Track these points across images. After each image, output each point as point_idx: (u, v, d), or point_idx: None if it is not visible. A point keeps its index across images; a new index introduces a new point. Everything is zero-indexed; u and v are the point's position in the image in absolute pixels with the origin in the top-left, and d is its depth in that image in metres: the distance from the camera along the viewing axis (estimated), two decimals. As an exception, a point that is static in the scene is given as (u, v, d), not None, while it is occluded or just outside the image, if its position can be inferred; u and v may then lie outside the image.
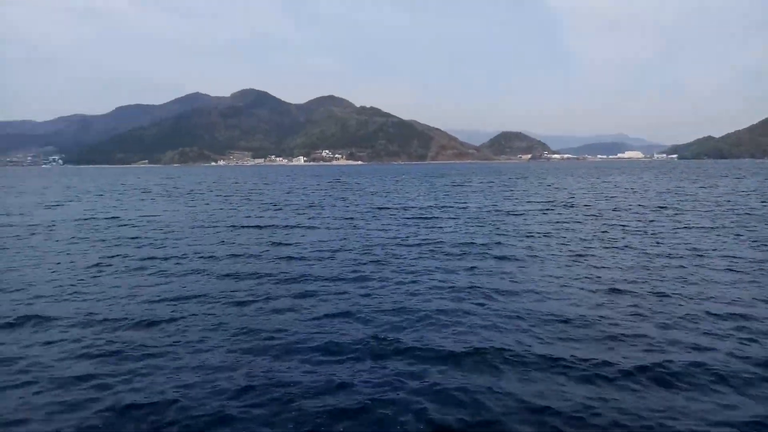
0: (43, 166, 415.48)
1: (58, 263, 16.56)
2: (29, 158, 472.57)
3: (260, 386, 7.64)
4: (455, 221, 26.63)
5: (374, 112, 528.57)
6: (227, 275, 14.52)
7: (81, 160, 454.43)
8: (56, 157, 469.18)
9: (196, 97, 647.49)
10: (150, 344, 9.27)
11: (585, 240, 20.06)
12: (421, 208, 33.70)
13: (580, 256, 16.89)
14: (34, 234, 23.54)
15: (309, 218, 28.83)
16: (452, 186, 63.96)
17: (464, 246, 18.84)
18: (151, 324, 10.35)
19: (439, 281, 13.58)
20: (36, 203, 41.98)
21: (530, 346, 9.04)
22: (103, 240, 21.42)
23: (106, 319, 10.63)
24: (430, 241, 19.92)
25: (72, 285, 13.59)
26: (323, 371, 8.14)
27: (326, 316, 10.77)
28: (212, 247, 19.36)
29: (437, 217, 28.37)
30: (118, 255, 17.79)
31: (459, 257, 16.84)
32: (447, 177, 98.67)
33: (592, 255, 17.01)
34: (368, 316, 10.67)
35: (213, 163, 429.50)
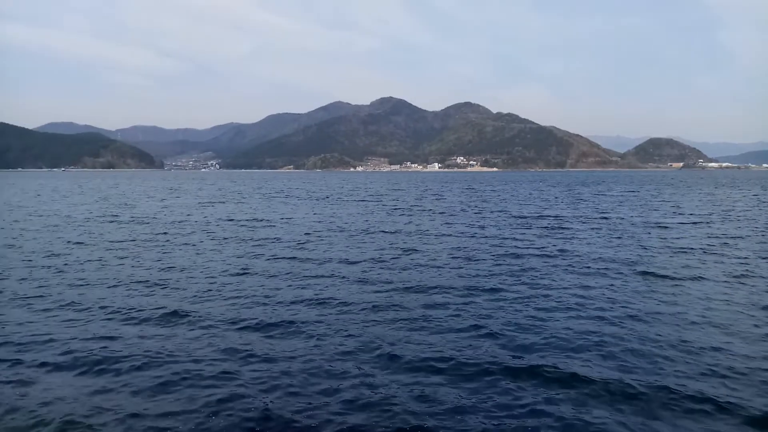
0: (202, 169, 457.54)
1: (210, 260, 17.93)
2: (191, 162, 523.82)
3: (383, 400, 7.56)
4: (596, 232, 25.07)
5: (511, 118, 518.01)
6: (361, 281, 14.78)
7: (235, 164, 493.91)
8: (213, 162, 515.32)
9: (338, 105, 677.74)
10: (284, 348, 9.60)
11: (747, 259, 17.88)
12: (558, 218, 32.20)
13: (741, 277, 15.05)
14: (193, 232, 25.80)
15: (441, 225, 28.73)
16: (593, 195, 60.57)
17: (605, 261, 17.61)
18: (290, 325, 10.76)
19: (576, 298, 12.75)
20: (194, 204, 46.16)
21: (684, 384, 8.03)
22: (249, 240, 22.89)
23: (245, 319, 11.23)
24: (568, 254, 18.89)
25: (220, 284, 14.60)
26: (450, 391, 7.86)
27: (456, 330, 10.49)
28: (347, 251, 19.89)
29: (576, 228, 26.90)
30: (261, 255, 18.90)
31: (599, 272, 15.74)
32: (587, 185, 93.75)
33: (759, 276, 15.07)
34: (499, 332, 10.24)
35: (351, 169, 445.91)
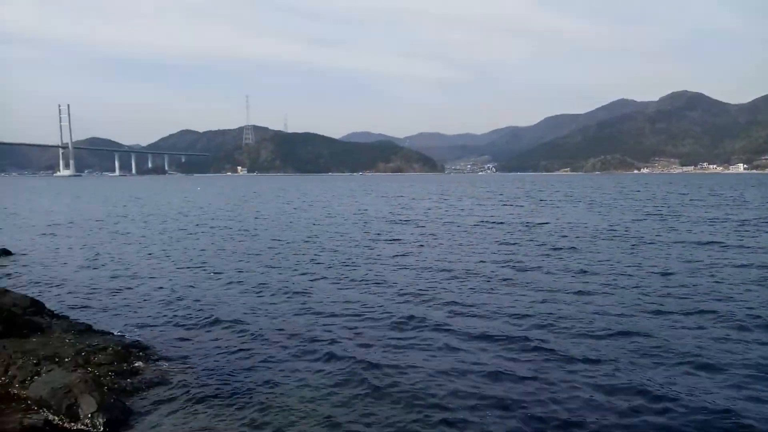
0: (479, 173, 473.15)
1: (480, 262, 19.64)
2: (468, 166, 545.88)
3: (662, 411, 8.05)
4: None
5: None
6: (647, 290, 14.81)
7: (510, 167, 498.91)
8: (490, 165, 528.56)
9: (621, 103, 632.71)
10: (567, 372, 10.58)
11: None
12: None
13: None
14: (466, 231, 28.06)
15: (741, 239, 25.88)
16: None
17: None
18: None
19: None
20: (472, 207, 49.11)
21: None
22: (523, 244, 24.06)
23: (500, 334, 12.45)
24: None
25: (474, 293, 16.11)
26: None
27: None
28: (622, 263, 19.67)
29: None
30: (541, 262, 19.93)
31: None
32: None
33: None
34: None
35: (635, 171, 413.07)
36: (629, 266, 18.94)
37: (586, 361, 9.84)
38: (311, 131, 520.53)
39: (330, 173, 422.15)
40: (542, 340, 10.96)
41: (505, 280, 16.99)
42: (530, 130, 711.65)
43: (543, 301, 14.15)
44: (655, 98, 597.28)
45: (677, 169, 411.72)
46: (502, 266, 19.32)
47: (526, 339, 11.06)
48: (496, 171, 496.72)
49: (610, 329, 11.61)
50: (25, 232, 32.77)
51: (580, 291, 15.22)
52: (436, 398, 8.43)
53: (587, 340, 11.03)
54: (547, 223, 34.82)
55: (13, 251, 23.18)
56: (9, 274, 18.53)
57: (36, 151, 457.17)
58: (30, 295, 13.21)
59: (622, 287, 15.66)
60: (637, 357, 10.05)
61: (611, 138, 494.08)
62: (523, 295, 14.88)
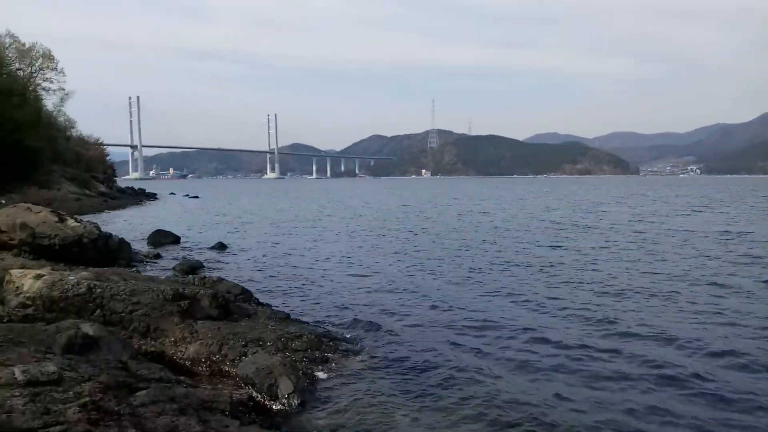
0: (680, 175, 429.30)
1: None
2: (668, 167, 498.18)
3: None
4: None
5: None
6: None
7: (719, 169, 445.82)
8: (694, 167, 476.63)
9: None
10: None
11: None
12: None
13: None
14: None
15: None
16: None
17: None
18: None
19: None
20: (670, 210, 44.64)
21: None
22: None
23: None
24: None
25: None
26: None
27: None
28: None
29: None
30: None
31: None
32: None
33: None
34: None
35: None
36: None
37: None
38: (496, 133, 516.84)
39: (513, 176, 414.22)
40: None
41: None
42: (744, 127, 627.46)
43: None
44: None
45: None
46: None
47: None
48: (701, 173, 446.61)
49: None
50: (239, 228, 37.10)
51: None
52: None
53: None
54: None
55: (228, 245, 26.31)
56: (224, 265, 21.06)
57: (248, 156, 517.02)
58: (240, 284, 14.87)
59: None
60: None
61: None
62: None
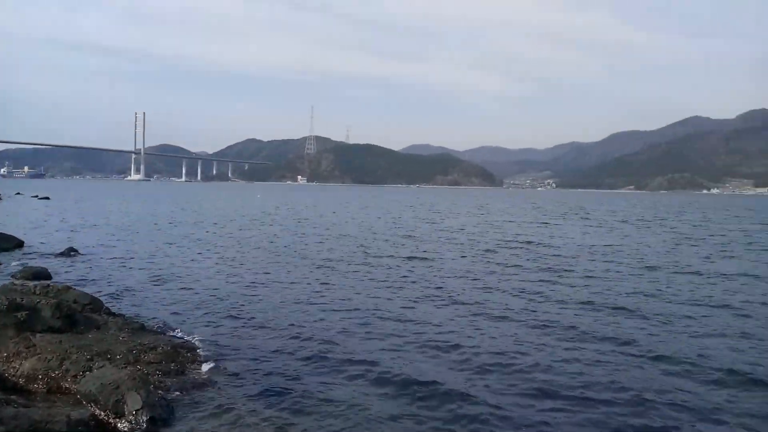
0: (539, 188, 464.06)
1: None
2: (528, 181, 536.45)
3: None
4: None
5: None
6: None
7: (572, 184, 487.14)
8: (550, 182, 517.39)
9: (695, 120, 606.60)
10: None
11: None
12: None
13: None
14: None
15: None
16: None
17: None
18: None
19: None
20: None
21: None
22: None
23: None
24: None
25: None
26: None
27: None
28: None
29: None
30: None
31: None
32: None
33: None
34: None
35: (705, 191, 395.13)
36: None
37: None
38: (373, 143, 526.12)
39: (386, 185, 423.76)
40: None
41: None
42: (595, 146, 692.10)
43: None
44: (732, 116, 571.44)
45: (751, 191, 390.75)
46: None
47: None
48: (557, 187, 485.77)
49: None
50: (94, 232, 34.36)
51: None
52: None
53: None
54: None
55: (79, 250, 24.28)
56: (74, 272, 19.40)
57: (111, 156, 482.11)
58: (91, 292, 13.78)
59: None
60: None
61: (681, 156, 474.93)
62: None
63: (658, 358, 10.96)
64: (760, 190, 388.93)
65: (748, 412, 8.57)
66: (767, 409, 8.73)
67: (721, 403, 8.90)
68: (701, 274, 21.57)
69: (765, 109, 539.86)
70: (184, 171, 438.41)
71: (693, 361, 10.82)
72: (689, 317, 14.37)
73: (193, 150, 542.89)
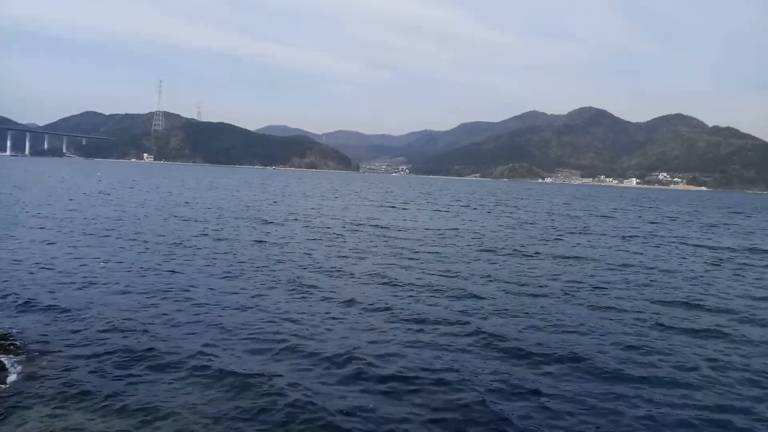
0: (393, 174, 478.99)
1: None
2: (383, 166, 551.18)
3: None
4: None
5: (730, 133, 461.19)
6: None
7: (424, 170, 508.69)
8: (404, 167, 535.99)
9: (533, 114, 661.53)
10: None
11: None
12: None
13: None
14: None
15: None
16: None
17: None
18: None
19: None
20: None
21: None
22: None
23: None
24: None
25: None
26: None
27: None
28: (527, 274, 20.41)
29: None
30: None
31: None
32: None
33: None
34: None
35: (540, 180, 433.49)
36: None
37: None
38: (227, 122, 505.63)
39: (238, 166, 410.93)
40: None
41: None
42: (446, 135, 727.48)
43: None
44: (564, 112, 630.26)
45: (578, 180, 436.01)
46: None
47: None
48: (410, 173, 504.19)
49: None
50: None
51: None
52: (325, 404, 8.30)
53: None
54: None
55: None
56: None
57: None
58: None
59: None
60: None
61: (521, 147, 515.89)
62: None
63: (484, 339, 11.86)
64: (585, 180, 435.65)
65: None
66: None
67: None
68: (531, 257, 23.70)
69: (591, 107, 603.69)
70: (8, 145, 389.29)
71: (507, 338, 11.87)
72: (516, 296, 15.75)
73: (20, 121, 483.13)
